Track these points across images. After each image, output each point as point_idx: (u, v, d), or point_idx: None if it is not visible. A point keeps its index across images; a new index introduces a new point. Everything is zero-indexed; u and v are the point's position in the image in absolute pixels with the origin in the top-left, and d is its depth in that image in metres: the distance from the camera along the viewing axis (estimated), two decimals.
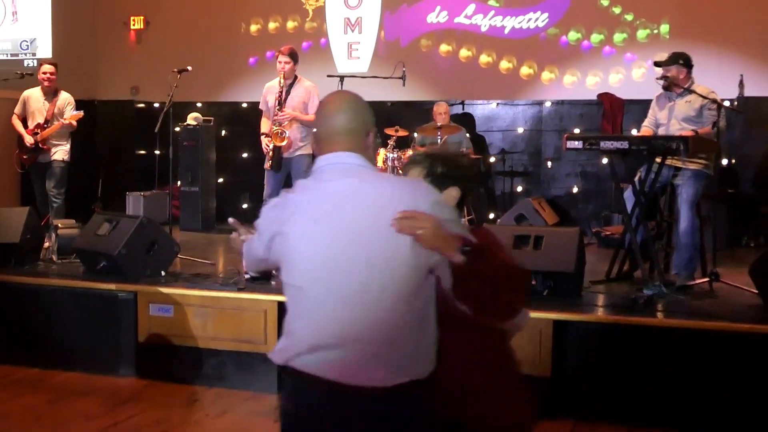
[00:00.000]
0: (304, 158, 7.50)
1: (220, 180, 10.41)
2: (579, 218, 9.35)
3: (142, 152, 11.01)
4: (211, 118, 10.21)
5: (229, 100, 10.71)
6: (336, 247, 2.31)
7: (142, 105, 11.13)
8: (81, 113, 8.26)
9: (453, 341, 2.53)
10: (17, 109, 8.39)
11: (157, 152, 10.14)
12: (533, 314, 4.92)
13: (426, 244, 2.24)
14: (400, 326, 2.30)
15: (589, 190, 9.58)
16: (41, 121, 8.24)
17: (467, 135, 9.42)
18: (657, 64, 6.47)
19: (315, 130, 2.57)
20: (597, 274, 6.25)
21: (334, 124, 2.48)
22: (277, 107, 7.43)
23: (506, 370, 2.82)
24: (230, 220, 2.86)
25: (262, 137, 7.60)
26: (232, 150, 10.56)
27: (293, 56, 7.51)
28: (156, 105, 10.48)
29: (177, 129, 9.57)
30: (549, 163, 9.74)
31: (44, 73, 8.26)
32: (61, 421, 4.96)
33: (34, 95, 8.35)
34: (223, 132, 10.61)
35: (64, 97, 8.34)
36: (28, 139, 8.20)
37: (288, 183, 7.58)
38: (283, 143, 7.36)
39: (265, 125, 7.63)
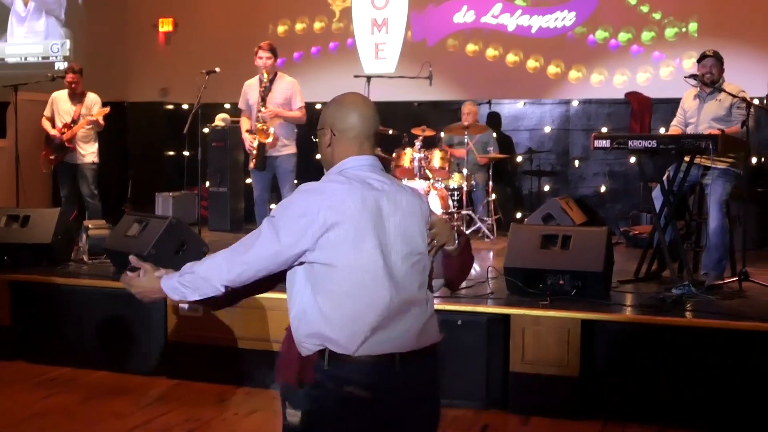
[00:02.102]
0: (290, 157, 7.51)
1: (249, 180, 10.43)
2: (607, 218, 9.32)
3: (171, 153, 11.10)
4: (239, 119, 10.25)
5: None
6: (389, 237, 2.56)
7: (171, 106, 11.20)
8: (107, 109, 8.33)
9: None
10: (47, 111, 8.48)
11: (185, 153, 10.22)
12: (562, 314, 5.00)
13: (441, 241, 2.72)
14: (426, 299, 2.66)
15: (617, 189, 9.54)
16: (68, 121, 8.33)
17: (494, 135, 9.42)
18: (702, 57, 6.29)
19: (337, 131, 2.63)
20: (625, 274, 6.21)
21: (361, 128, 2.64)
22: (260, 104, 7.42)
23: None
24: (131, 258, 2.91)
25: (245, 135, 7.56)
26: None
27: (273, 51, 7.53)
28: (185, 106, 10.56)
29: (205, 130, 9.63)
30: (576, 163, 9.71)
31: (69, 81, 8.36)
32: (93, 420, 5.02)
33: (61, 97, 8.45)
34: None
35: (92, 98, 8.43)
36: (54, 132, 8.28)
37: (275, 183, 7.59)
38: (269, 140, 7.35)
39: (245, 124, 7.60)
